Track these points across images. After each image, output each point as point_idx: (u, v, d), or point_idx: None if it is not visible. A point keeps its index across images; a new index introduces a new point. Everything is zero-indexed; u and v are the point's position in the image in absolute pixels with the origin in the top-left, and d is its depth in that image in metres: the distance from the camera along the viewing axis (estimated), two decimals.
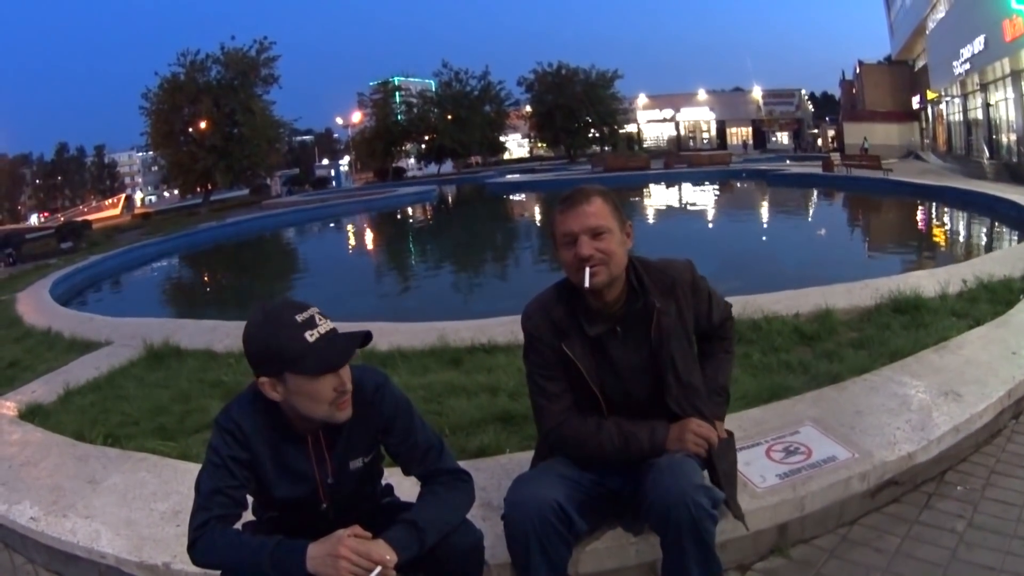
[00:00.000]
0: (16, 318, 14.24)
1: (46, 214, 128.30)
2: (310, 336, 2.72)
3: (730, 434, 3.70)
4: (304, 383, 2.75)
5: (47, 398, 7.83)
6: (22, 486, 5.38)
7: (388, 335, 8.35)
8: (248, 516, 3.12)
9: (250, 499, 3.08)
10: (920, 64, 60.92)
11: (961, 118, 45.02)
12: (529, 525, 3.12)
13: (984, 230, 20.68)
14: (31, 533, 4.72)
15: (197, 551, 2.81)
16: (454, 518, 3.02)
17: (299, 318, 2.74)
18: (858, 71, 75.43)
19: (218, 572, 2.85)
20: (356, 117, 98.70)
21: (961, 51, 38.79)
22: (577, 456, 3.48)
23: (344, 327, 2.73)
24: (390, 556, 2.68)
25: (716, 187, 43.92)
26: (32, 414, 7.28)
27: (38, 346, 11.14)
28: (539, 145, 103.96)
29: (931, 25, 50.70)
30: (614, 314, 3.46)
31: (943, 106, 51.76)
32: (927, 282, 8.70)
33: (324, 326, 2.77)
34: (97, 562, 4.32)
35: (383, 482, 3.42)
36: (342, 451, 3.01)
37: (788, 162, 57.45)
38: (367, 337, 2.88)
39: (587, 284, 3.28)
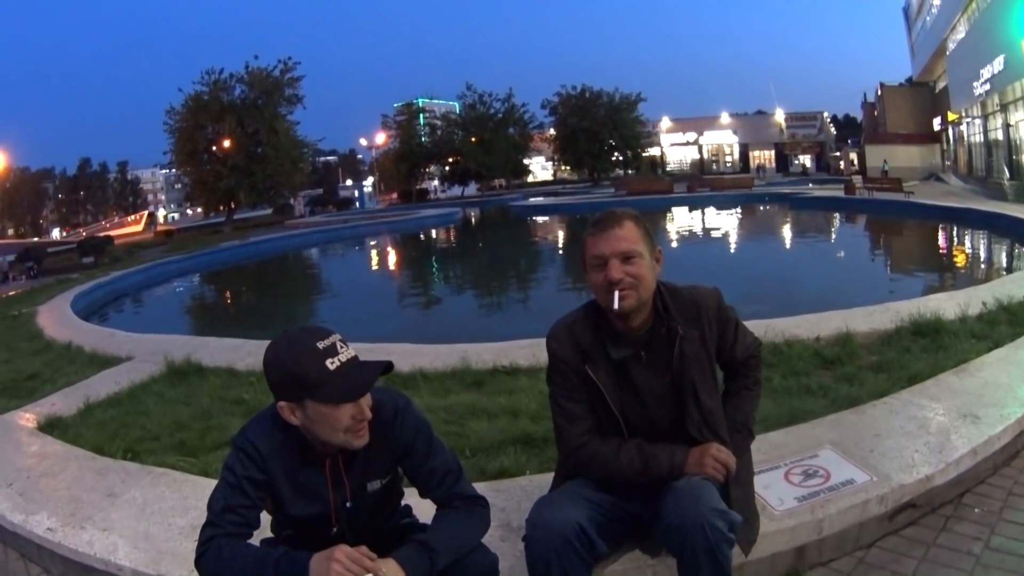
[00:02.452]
0: (37, 331, 14.36)
1: (68, 229, 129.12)
2: (331, 364, 2.73)
3: (748, 464, 3.73)
4: (323, 410, 2.76)
5: (67, 411, 7.87)
6: (40, 497, 5.41)
7: (411, 357, 8.39)
8: (268, 532, 3.14)
9: (268, 517, 3.09)
10: (941, 85, 61.24)
11: (982, 139, 44.99)
12: (550, 547, 3.11)
13: (1004, 252, 20.61)
14: (48, 544, 4.75)
15: (204, 564, 2.82)
16: (468, 541, 3.03)
17: (321, 345, 2.76)
18: (879, 93, 75.83)
19: None
20: (380, 138, 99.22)
21: (981, 72, 38.89)
22: (597, 478, 3.48)
23: (367, 349, 2.74)
24: (387, 570, 2.69)
25: (739, 211, 43.85)
26: (52, 426, 7.33)
27: (58, 360, 11.21)
28: (563, 168, 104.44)
29: (951, 46, 50.96)
30: (639, 338, 3.47)
31: (963, 127, 51.80)
32: (947, 305, 8.69)
33: (345, 354, 2.78)
34: (114, 574, 4.33)
35: (403, 503, 3.42)
36: (359, 473, 3.02)
37: (811, 185, 57.78)
38: (388, 367, 2.89)
39: (616, 307, 3.30)
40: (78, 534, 4.70)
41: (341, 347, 2.78)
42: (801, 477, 4.44)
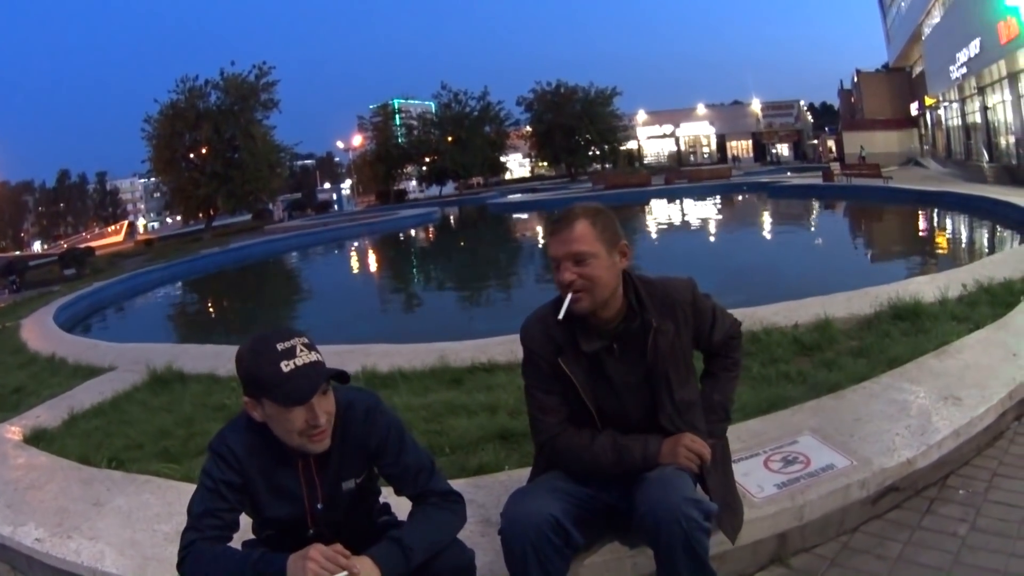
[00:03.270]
0: (21, 344, 14.32)
1: (50, 241, 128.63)
2: (285, 366, 2.76)
3: (725, 450, 3.77)
4: (276, 411, 2.81)
5: (52, 423, 7.88)
6: (27, 508, 5.44)
7: (390, 357, 8.45)
8: (250, 534, 3.21)
9: (249, 519, 3.16)
10: (918, 70, 61.56)
11: (960, 123, 45.23)
12: (526, 540, 3.14)
13: (984, 233, 20.73)
14: (36, 554, 4.78)
15: (185, 567, 2.88)
16: (442, 538, 3.06)
17: (280, 347, 2.80)
18: (856, 80, 76.48)
19: None
20: (357, 140, 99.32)
21: (957, 55, 39.00)
22: (572, 469, 3.52)
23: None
24: (361, 567, 2.74)
25: (717, 201, 44.01)
26: (37, 438, 7.34)
27: (43, 372, 11.20)
28: (540, 164, 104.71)
29: (926, 31, 51.15)
30: (611, 331, 3.48)
31: (941, 111, 52.16)
32: (927, 288, 8.69)
33: (303, 358, 2.81)
34: None
35: (381, 501, 3.48)
36: (333, 473, 3.06)
37: (789, 174, 57.90)
38: (340, 376, 2.93)
39: (561, 314, 3.35)
40: (65, 543, 4.73)
41: (301, 351, 2.81)
42: (781, 464, 4.46)
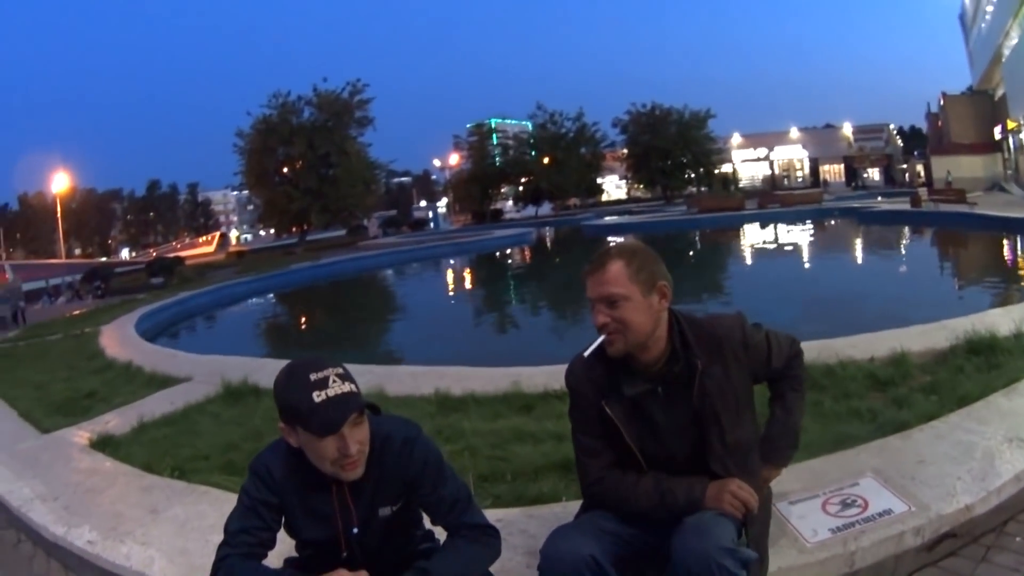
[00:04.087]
0: (98, 351, 14.75)
1: (138, 250, 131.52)
2: (317, 396, 2.85)
3: (768, 499, 3.73)
4: (309, 439, 2.91)
5: (120, 430, 8.12)
6: (84, 511, 5.66)
7: (464, 380, 8.50)
8: (292, 552, 3.34)
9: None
10: (999, 93, 60.71)
11: None
12: None
13: None
14: (87, 555, 4.98)
15: None
16: (471, 570, 3.15)
17: (313, 377, 2.90)
18: (942, 103, 75.00)
19: None
20: (453, 159, 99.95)
21: None
22: (616, 512, 3.51)
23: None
24: None
25: (807, 226, 43.50)
26: (104, 444, 7.59)
27: (117, 379, 11.54)
28: (636, 186, 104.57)
29: (1006, 52, 50.36)
30: (655, 374, 3.47)
31: (1023, 136, 50.97)
32: (1002, 320, 8.39)
33: (335, 388, 2.89)
34: None
35: (426, 528, 3.54)
36: (368, 500, 3.15)
37: (879, 199, 57.01)
38: (372, 408, 3.04)
39: (587, 352, 3.42)
40: (117, 547, 4.91)
41: (334, 381, 2.90)
42: (838, 507, 4.36)
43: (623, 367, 3.44)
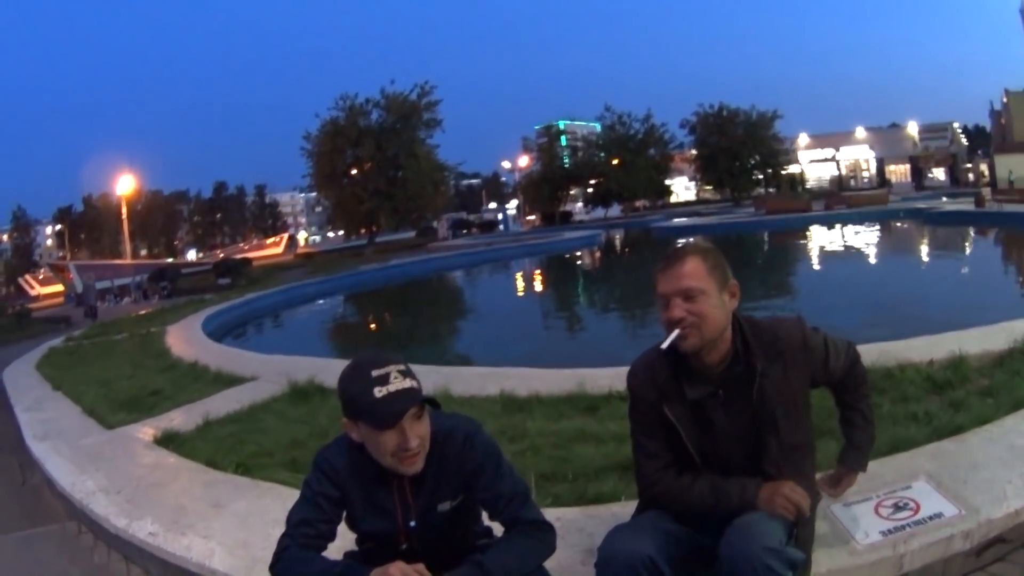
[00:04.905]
0: (164, 349, 15.06)
1: (204, 251, 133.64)
2: (378, 392, 2.94)
3: (816, 498, 3.72)
4: (370, 433, 3.00)
5: (185, 426, 8.28)
6: (147, 504, 5.81)
7: (528, 381, 8.55)
8: (352, 546, 3.42)
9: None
10: None
11: None
12: None
13: None
14: (148, 547, 5.11)
15: (278, 568, 3.10)
16: (525, 565, 3.17)
17: (375, 373, 2.98)
18: (1005, 101, 74.02)
19: None
20: (523, 161, 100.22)
21: None
22: (672, 512, 3.55)
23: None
24: None
25: (872, 227, 43.15)
26: (168, 440, 7.74)
27: (183, 377, 11.74)
28: (704, 188, 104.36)
29: None
30: (717, 376, 3.51)
31: None
32: None
33: (396, 384, 2.97)
34: None
35: (484, 524, 3.61)
36: (428, 494, 3.22)
37: (944, 199, 56.55)
38: (432, 403, 3.13)
39: (664, 345, 3.39)
40: (178, 539, 5.03)
41: (395, 377, 2.98)
42: (891, 510, 4.38)
43: (685, 369, 3.49)
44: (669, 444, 3.53)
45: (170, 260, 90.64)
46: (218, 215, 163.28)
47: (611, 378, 8.02)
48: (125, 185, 68.20)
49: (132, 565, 5.36)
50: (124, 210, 72.34)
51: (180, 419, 8.72)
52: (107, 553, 5.75)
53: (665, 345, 3.39)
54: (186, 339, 16.54)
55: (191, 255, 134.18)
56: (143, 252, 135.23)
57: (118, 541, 5.51)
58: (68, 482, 6.93)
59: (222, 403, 9.32)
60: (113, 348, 17.38)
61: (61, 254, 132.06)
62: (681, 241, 3.83)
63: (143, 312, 29.93)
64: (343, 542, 3.32)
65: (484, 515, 3.54)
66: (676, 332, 3.34)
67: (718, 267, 3.42)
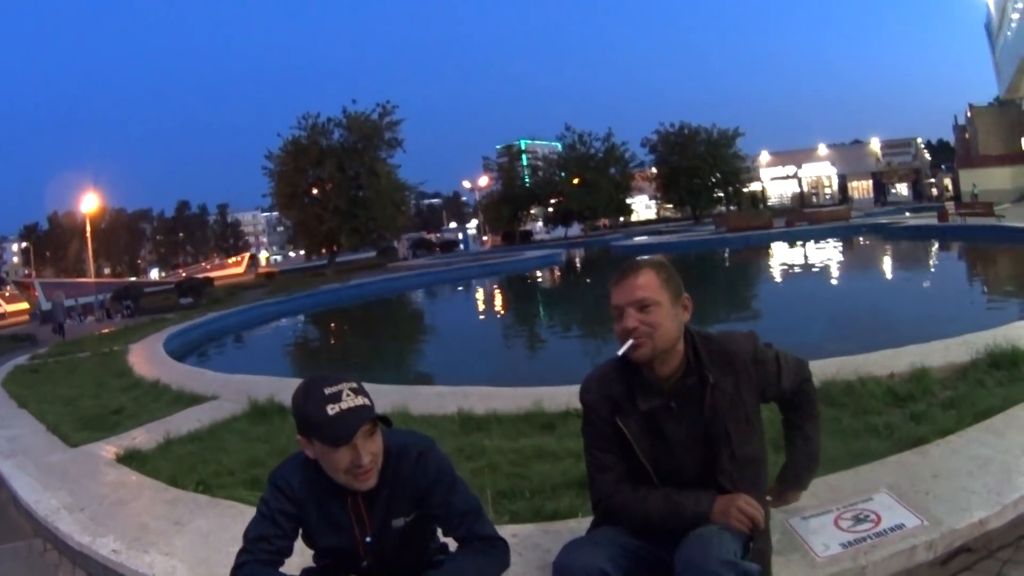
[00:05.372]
0: (127, 368, 15.06)
1: (168, 270, 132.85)
2: (331, 409, 3.00)
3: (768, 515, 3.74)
4: (323, 450, 3.07)
5: (147, 445, 8.31)
6: (110, 522, 5.84)
7: (487, 399, 8.60)
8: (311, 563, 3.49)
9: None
10: None
11: None
12: None
13: None
14: (111, 563, 5.14)
15: None
16: None
17: (328, 391, 3.06)
18: (969, 115, 75.06)
19: None
20: (483, 181, 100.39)
21: None
22: (627, 525, 3.57)
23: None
24: None
25: (834, 243, 43.43)
26: (130, 458, 7.78)
27: (145, 396, 11.75)
28: (665, 206, 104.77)
29: None
30: (669, 388, 3.54)
31: None
32: None
33: (349, 402, 3.04)
34: None
35: (440, 541, 3.67)
36: (382, 511, 3.28)
37: (907, 214, 56.93)
38: (385, 421, 3.18)
39: (620, 351, 3.45)
40: (141, 556, 5.07)
41: (347, 395, 3.06)
42: (851, 522, 4.37)
43: (638, 381, 3.53)
44: (623, 457, 3.58)
45: (133, 279, 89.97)
46: (180, 234, 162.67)
47: (569, 396, 8.02)
48: (89, 203, 67.71)
49: None
50: (88, 228, 71.80)
51: (142, 437, 8.74)
52: (72, 570, 5.76)
53: (621, 351, 3.44)
54: (148, 358, 16.53)
55: (154, 274, 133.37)
56: (106, 271, 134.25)
57: (82, 558, 5.53)
58: (33, 499, 6.95)
59: (183, 422, 9.34)
60: (77, 367, 17.30)
61: (27, 271, 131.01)
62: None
63: (107, 331, 29.90)
64: (302, 559, 3.39)
65: (440, 532, 3.58)
66: (630, 342, 3.39)
67: (671, 280, 3.49)
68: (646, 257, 3.63)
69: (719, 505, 3.41)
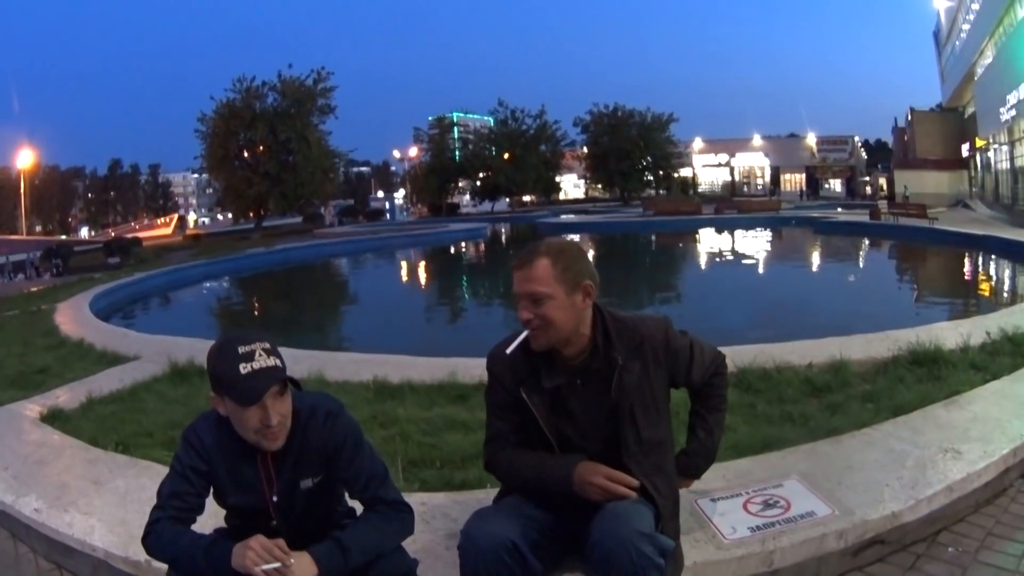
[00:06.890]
0: (53, 328, 14.83)
1: (98, 229, 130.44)
2: (243, 368, 3.01)
3: (675, 496, 3.75)
4: (234, 408, 3.09)
5: (70, 405, 8.26)
6: (32, 481, 5.84)
7: (403, 369, 8.66)
8: (222, 523, 3.52)
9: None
10: (970, 111, 61.41)
11: (1008, 166, 45.02)
12: (480, 560, 3.23)
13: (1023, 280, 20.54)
14: (33, 523, 5.17)
15: (148, 542, 3.22)
16: (384, 544, 3.32)
17: (242, 350, 3.06)
18: (910, 118, 76.23)
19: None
20: (413, 151, 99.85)
21: (1008, 97, 38.93)
22: (508, 487, 3.69)
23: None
24: (298, 562, 3.03)
25: (763, 233, 43.91)
26: (53, 418, 7.73)
27: (69, 356, 11.65)
28: (594, 186, 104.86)
29: (979, 71, 51.24)
30: (575, 367, 3.54)
31: (991, 154, 51.93)
32: (950, 334, 8.53)
33: (260, 362, 3.04)
34: (89, 555, 4.72)
35: (348, 505, 3.69)
36: (291, 471, 3.32)
37: (839, 210, 57.45)
38: (294, 383, 3.21)
39: (509, 349, 3.49)
40: (61, 516, 5.10)
41: (260, 355, 3.06)
42: (760, 507, 4.39)
43: (544, 359, 3.51)
44: (520, 428, 3.59)
45: (63, 238, 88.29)
46: (112, 193, 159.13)
47: (482, 368, 7.85)
48: (25, 159, 66.39)
49: (19, 543, 5.39)
50: (23, 185, 70.42)
51: (65, 397, 8.69)
52: None
53: (510, 350, 3.48)
54: (74, 318, 16.32)
55: (84, 233, 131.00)
56: (38, 228, 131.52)
57: (5, 518, 5.54)
58: None
59: (106, 382, 9.28)
60: (3, 325, 17.08)
61: None
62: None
63: (35, 289, 29.43)
64: (215, 520, 3.43)
65: (347, 497, 3.61)
66: (525, 332, 3.41)
67: (569, 269, 3.40)
68: (546, 241, 3.54)
69: (581, 468, 3.41)
